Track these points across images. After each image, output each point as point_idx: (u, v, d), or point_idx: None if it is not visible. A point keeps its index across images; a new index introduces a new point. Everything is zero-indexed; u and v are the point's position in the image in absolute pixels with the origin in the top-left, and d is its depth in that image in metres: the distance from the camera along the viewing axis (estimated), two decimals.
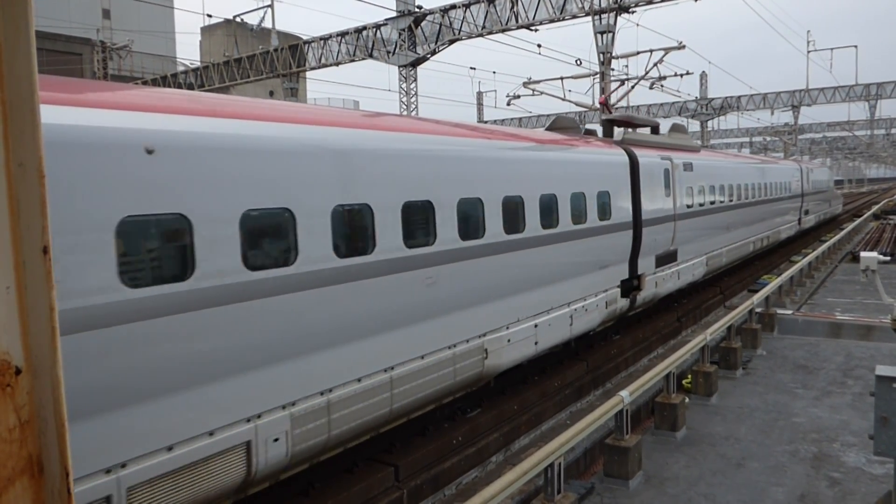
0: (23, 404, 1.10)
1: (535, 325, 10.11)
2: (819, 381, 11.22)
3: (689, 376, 10.79)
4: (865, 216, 42.87)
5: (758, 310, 13.93)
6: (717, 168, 18.86)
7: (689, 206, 16.19)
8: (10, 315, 1.08)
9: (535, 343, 10.13)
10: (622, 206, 12.90)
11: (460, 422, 9.56)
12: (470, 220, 8.46)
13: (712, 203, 17.87)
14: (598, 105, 23.17)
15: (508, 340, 9.42)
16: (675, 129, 18.31)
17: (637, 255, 13.69)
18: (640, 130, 16.41)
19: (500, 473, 6.42)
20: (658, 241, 14.56)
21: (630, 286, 13.68)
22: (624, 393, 7.86)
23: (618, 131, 15.51)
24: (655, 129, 17.04)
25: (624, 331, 15.04)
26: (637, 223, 13.52)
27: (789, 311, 15.96)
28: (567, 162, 11.52)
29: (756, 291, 15.80)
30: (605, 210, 12.15)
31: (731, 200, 19.51)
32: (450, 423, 9.45)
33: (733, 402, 10.26)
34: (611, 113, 23.99)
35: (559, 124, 14.52)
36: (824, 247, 24.77)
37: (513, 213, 9.29)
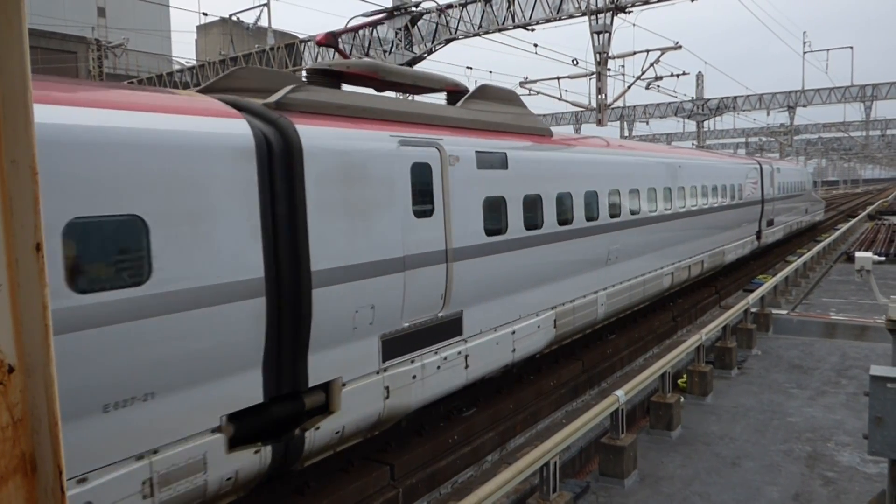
0: (16, 402, 1.09)
1: None
2: (814, 380, 11.25)
3: (685, 376, 10.82)
4: (860, 216, 43.03)
5: (753, 310, 13.97)
6: (574, 164, 11.43)
7: (485, 233, 8.79)
8: (3, 313, 1.07)
9: None
10: (227, 251, 5.61)
11: (456, 421, 9.56)
12: None
13: (566, 222, 10.74)
14: (594, 105, 23.18)
15: None
16: (486, 94, 10.30)
17: (302, 348, 6.41)
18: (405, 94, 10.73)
19: (496, 472, 6.43)
20: (353, 317, 6.90)
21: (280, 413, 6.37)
22: (619, 392, 7.88)
23: (289, 91, 6.91)
24: (456, 96, 10.01)
25: (619, 330, 15.06)
26: (287, 286, 6.16)
27: (784, 311, 16.01)
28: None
29: (751, 291, 15.84)
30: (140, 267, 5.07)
31: (614, 216, 12.43)
32: (445, 423, 9.46)
33: (728, 402, 10.29)
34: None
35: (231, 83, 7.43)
36: (819, 247, 24.87)
37: None
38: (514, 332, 9.62)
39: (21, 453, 1.10)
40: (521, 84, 28.90)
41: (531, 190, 9.89)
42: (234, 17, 31.54)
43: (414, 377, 7.74)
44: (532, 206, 9.94)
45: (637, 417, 10.40)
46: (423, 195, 7.80)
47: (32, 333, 1.10)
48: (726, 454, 8.37)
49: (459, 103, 9.74)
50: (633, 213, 13.34)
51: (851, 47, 42.96)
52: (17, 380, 1.09)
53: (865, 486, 7.36)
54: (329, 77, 8.10)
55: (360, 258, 6.85)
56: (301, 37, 30.39)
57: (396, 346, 7.49)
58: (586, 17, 21.26)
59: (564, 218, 10.80)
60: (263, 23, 31.13)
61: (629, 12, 21.01)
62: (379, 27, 26.69)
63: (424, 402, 8.07)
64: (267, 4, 30.52)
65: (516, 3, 22.76)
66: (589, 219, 11.56)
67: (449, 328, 8.29)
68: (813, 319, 15.42)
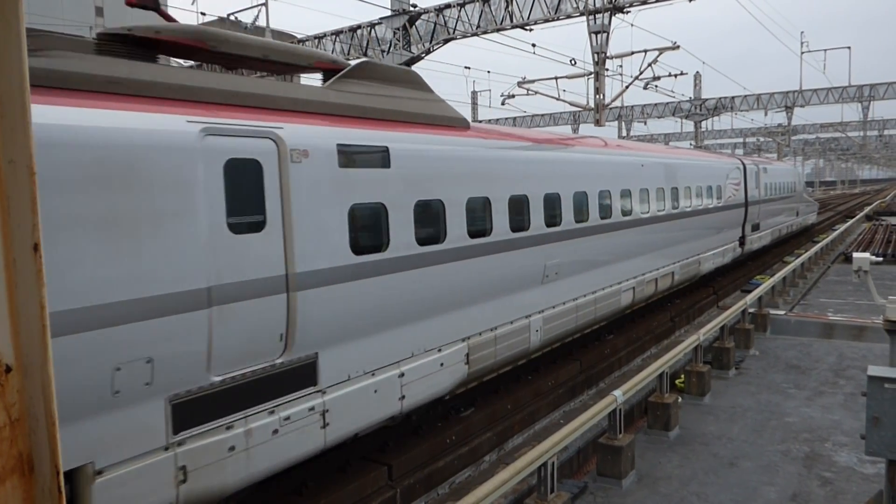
0: (13, 402, 1.09)
1: None
2: (811, 381, 11.27)
3: (683, 376, 10.83)
4: (858, 217, 43.12)
5: (751, 310, 14.00)
6: (497, 163, 9.41)
7: (352, 251, 6.90)
8: (1, 313, 1.07)
9: None
10: None
11: (453, 421, 9.56)
12: None
13: (482, 233, 8.87)
14: (592, 105, 23.21)
15: None
16: (369, 73, 8.08)
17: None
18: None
19: (494, 472, 6.43)
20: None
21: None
22: (617, 392, 7.88)
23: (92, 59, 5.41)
24: (330, 72, 7.78)
25: (617, 331, 15.07)
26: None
27: (782, 312, 16.04)
28: None
29: (749, 292, 15.86)
30: None
31: (552, 225, 10.45)
32: (443, 423, 9.46)
33: (726, 402, 10.30)
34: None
35: None
36: (817, 247, 24.92)
37: None
38: (402, 375, 7.58)
39: (18, 453, 1.10)
40: (520, 84, 28.93)
41: (429, 194, 7.88)
42: (232, 17, 31.51)
43: (232, 449, 5.70)
44: (430, 215, 7.94)
45: (635, 418, 10.41)
46: (245, 203, 5.84)
47: (30, 333, 1.10)
48: (724, 454, 8.38)
49: (328, 84, 7.52)
50: (579, 221, 11.25)
51: (849, 48, 43.03)
52: (14, 380, 1.09)
53: (863, 487, 7.37)
54: (134, 46, 6.02)
55: (118, 294, 4.83)
56: (300, 36, 30.38)
57: (199, 409, 5.49)
58: (584, 17, 21.28)
59: (480, 228, 8.82)
60: (262, 22, 31.09)
61: (627, 12, 21.04)
62: (377, 27, 26.69)
63: (255, 479, 5.96)
64: (265, 4, 30.49)
65: (514, 3, 22.77)
66: (517, 228, 9.56)
67: (295, 378, 6.30)
68: (811, 320, 15.44)
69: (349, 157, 6.90)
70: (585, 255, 11.66)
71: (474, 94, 49.10)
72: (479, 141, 9.28)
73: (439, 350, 8.20)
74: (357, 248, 6.87)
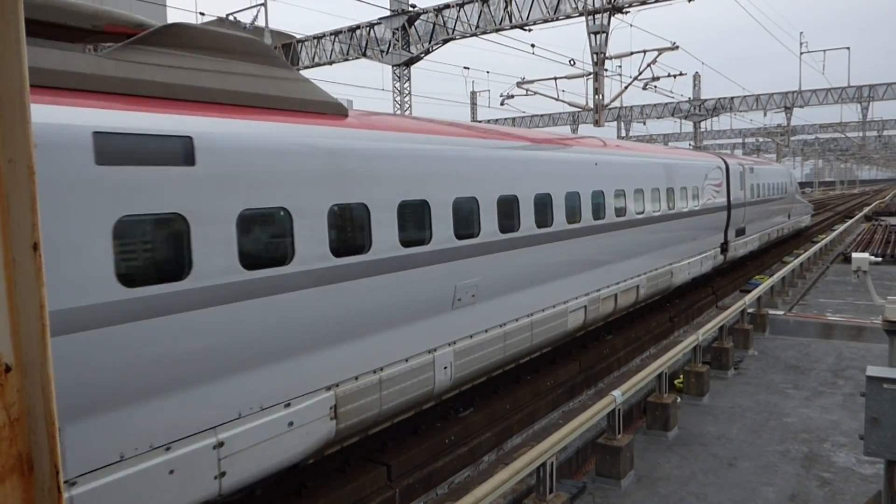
0: (12, 402, 1.09)
1: None
2: (810, 381, 11.28)
3: (681, 376, 10.84)
4: (857, 217, 43.18)
5: (749, 310, 14.01)
6: (382, 160, 7.57)
7: (118, 281, 4.99)
8: (1, 312, 1.07)
9: None
10: None
11: (453, 421, 9.57)
12: None
13: (355, 249, 7.15)
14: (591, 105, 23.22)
15: None
16: (179, 40, 6.13)
17: None
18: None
19: (493, 473, 6.43)
20: None
21: None
22: (616, 392, 7.89)
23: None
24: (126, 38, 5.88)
25: (616, 331, 15.08)
26: None
27: (781, 312, 16.05)
28: None
29: (748, 292, 15.88)
30: None
31: (465, 237, 8.61)
32: (442, 423, 9.46)
33: (725, 402, 10.31)
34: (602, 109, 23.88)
35: None
36: (816, 248, 24.95)
37: None
38: (221, 444, 5.70)
39: (18, 453, 1.10)
40: (519, 84, 28.94)
41: (265, 200, 6.07)
42: (231, 17, 31.50)
43: None
44: (268, 229, 6.23)
45: (634, 418, 10.42)
46: None
47: (30, 333, 1.10)
48: (723, 455, 8.39)
49: (108, 51, 5.61)
50: (506, 231, 9.34)
51: (848, 48, 43.09)
52: (13, 379, 1.09)
53: (861, 487, 7.38)
54: None
55: None
56: (298, 36, 30.38)
57: None
58: (583, 18, 21.30)
59: (352, 244, 6.98)
60: (261, 23, 31.09)
61: (626, 13, 21.05)
62: (376, 27, 26.69)
63: None
64: (264, 4, 30.49)
65: (513, 3, 22.78)
66: (412, 242, 7.66)
67: None
68: (809, 320, 15.46)
69: (115, 149, 5.00)
70: (516, 271, 9.73)
71: (473, 94, 49.13)
72: (356, 133, 7.25)
73: (287, 405, 6.26)
74: (130, 278, 5.04)
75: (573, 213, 11.27)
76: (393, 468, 8.09)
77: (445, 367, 8.37)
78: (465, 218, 8.58)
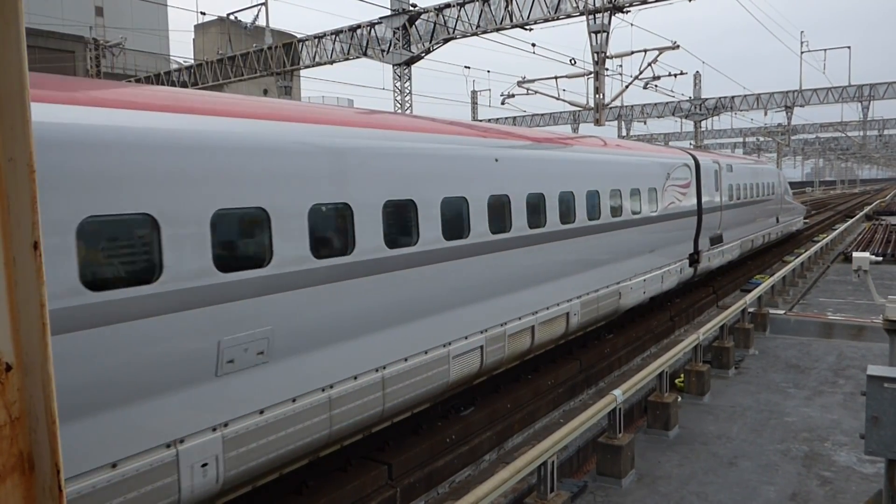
0: (13, 401, 1.09)
1: None
2: (811, 380, 11.28)
3: (682, 375, 10.84)
4: (857, 217, 43.16)
5: (750, 309, 14.01)
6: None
7: None
8: (1, 311, 1.07)
9: None
10: None
11: (454, 420, 9.57)
12: None
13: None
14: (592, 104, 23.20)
15: None
16: None
17: None
18: None
19: (494, 472, 6.44)
20: None
21: None
22: (617, 392, 7.89)
23: None
24: None
25: (617, 330, 15.08)
26: None
27: (781, 311, 16.05)
28: None
29: (749, 291, 15.87)
30: None
31: (241, 263, 5.92)
32: (443, 422, 9.46)
33: (725, 402, 10.31)
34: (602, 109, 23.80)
35: None
36: (816, 247, 24.95)
37: None
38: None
39: (19, 451, 1.10)
40: (520, 84, 28.94)
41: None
42: (232, 17, 31.50)
43: None
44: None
45: (635, 417, 10.42)
46: None
47: (30, 331, 1.10)
48: (723, 454, 8.39)
49: None
50: (324, 255, 6.64)
51: (849, 47, 43.07)
52: (14, 378, 1.09)
53: (862, 486, 7.38)
54: None
55: None
56: (299, 36, 30.39)
57: None
58: (584, 17, 21.29)
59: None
60: (261, 22, 31.10)
61: (627, 12, 21.04)
62: (377, 26, 26.69)
63: None
64: (265, 3, 30.49)
65: (514, 2, 22.77)
66: (121, 282, 5.05)
67: None
68: (810, 319, 15.45)
69: None
70: (339, 310, 6.84)
71: (474, 93, 49.12)
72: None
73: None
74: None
75: (457, 227, 8.42)
76: (394, 467, 8.10)
77: (204, 465, 5.61)
78: (236, 241, 6.11)
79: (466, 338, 8.72)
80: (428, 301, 8.05)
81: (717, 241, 19.41)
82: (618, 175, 13.18)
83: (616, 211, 12.86)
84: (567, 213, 11.05)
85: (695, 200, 17.49)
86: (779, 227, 28.83)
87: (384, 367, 7.39)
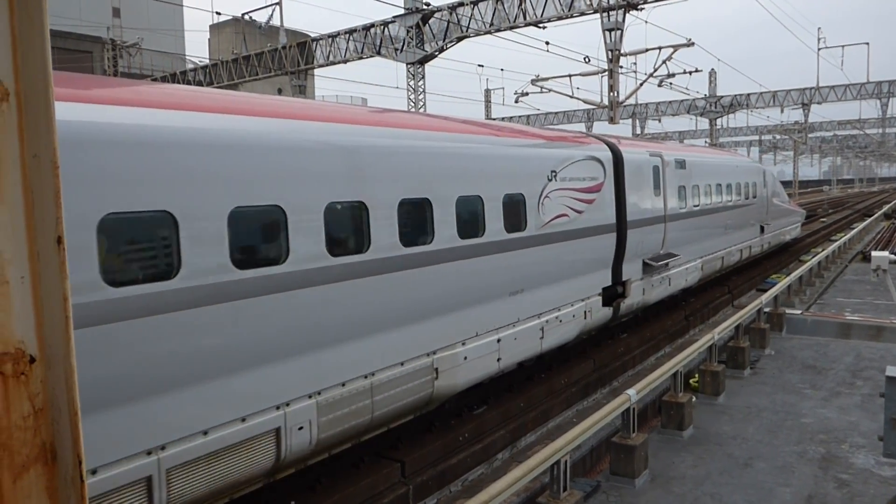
0: (37, 392, 1.12)
1: None
2: (828, 381, 11.15)
3: (697, 375, 10.76)
4: (876, 215, 42.62)
5: (766, 309, 13.87)
6: None
7: None
8: (25, 304, 1.10)
9: None
10: None
11: (467, 419, 9.58)
12: None
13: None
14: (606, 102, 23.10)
15: None
16: None
17: None
18: None
19: (507, 470, 6.44)
20: None
21: None
22: (631, 391, 7.85)
23: None
24: None
25: (631, 329, 15.01)
26: None
27: (798, 311, 15.88)
28: None
29: (765, 291, 15.72)
30: None
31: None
32: (456, 420, 9.47)
33: (741, 402, 10.22)
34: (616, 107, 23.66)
35: None
36: (834, 246, 24.64)
37: None
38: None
39: (42, 442, 1.12)
40: (534, 82, 28.87)
41: None
42: (246, 16, 31.70)
43: None
44: None
45: (648, 417, 10.36)
46: None
47: (53, 325, 1.12)
48: (738, 455, 8.32)
49: None
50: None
51: (867, 44, 42.50)
52: (38, 370, 1.11)
53: (880, 490, 7.29)
54: None
55: None
56: (313, 35, 30.53)
57: None
58: (598, 15, 21.19)
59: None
60: (276, 22, 31.26)
61: (641, 9, 20.92)
62: (391, 25, 26.74)
63: None
64: (279, 3, 30.64)
65: (528, 0, 22.71)
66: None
67: None
68: (827, 319, 15.27)
69: None
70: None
71: (488, 92, 49.06)
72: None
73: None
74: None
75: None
76: (407, 465, 8.12)
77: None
78: None
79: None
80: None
81: (656, 265, 14.08)
82: (460, 177, 8.57)
83: (425, 237, 7.94)
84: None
85: (612, 210, 12.39)
86: (765, 237, 23.56)
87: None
